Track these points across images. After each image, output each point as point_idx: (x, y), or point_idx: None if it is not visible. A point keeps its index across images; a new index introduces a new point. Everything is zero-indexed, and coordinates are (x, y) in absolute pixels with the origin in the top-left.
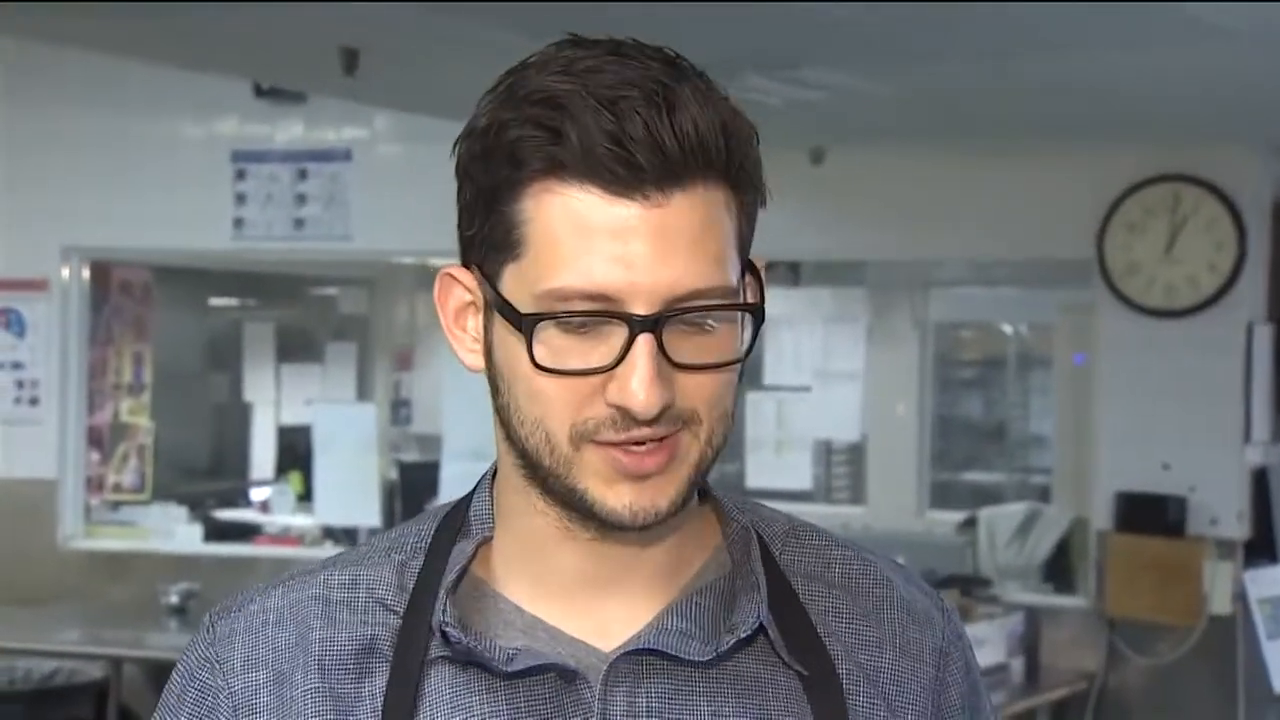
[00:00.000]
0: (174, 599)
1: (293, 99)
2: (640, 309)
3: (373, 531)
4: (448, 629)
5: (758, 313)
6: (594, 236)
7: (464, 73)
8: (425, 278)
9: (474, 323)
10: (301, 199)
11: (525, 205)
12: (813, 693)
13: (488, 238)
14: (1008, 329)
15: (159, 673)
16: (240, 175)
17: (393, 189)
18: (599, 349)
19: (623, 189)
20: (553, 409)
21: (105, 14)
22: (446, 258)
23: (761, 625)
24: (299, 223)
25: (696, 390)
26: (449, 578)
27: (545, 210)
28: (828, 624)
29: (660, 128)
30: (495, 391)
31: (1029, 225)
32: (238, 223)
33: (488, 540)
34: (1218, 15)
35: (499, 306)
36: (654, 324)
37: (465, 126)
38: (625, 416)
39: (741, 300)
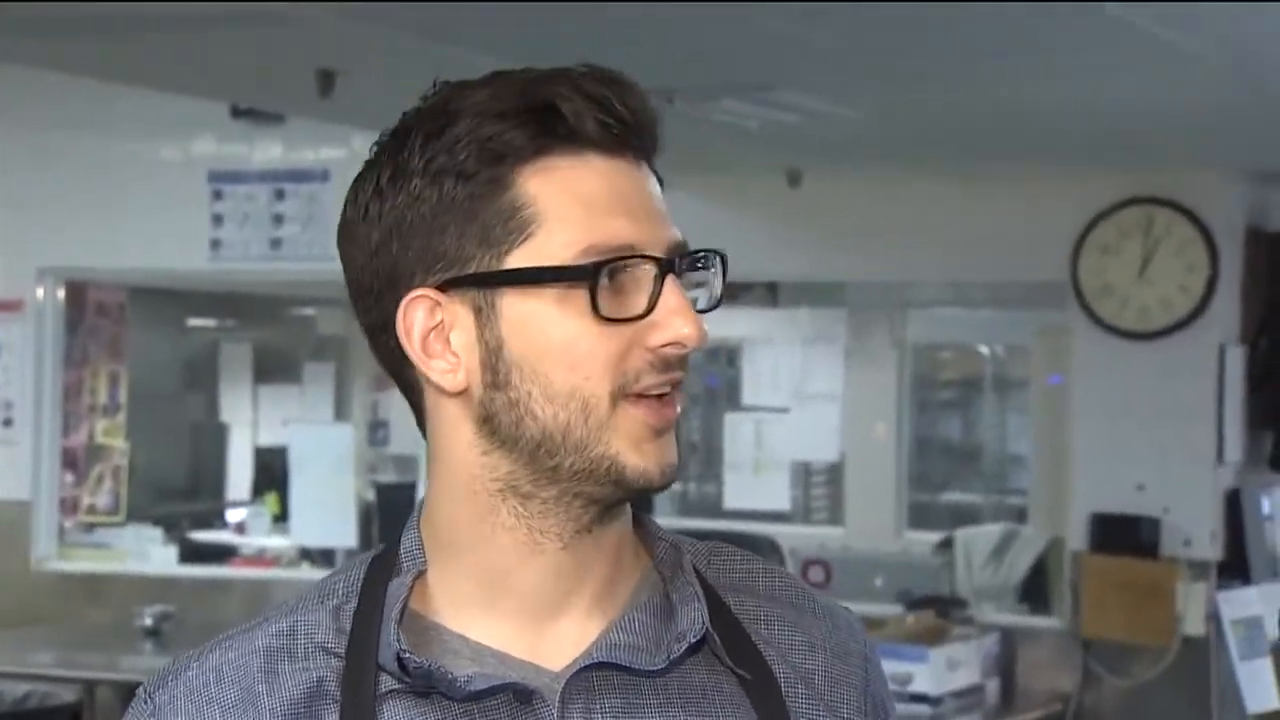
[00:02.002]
0: (149, 621)
1: (270, 119)
2: (658, 254)
3: (349, 553)
4: (405, 656)
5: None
6: (604, 196)
7: None
8: None
9: (440, 344)
10: (279, 219)
11: (527, 187)
12: (754, 696)
13: (479, 235)
14: (985, 350)
15: (133, 696)
16: (217, 195)
17: None
18: (628, 301)
19: (617, 147)
20: (597, 367)
21: (83, 38)
22: None
23: (705, 633)
24: (276, 243)
25: None
26: (394, 610)
27: (548, 185)
28: (759, 632)
29: (627, 92)
30: (501, 386)
31: (1005, 248)
32: (215, 243)
33: (421, 574)
34: (1191, 43)
35: (537, 278)
36: (672, 264)
37: (391, 173)
38: (661, 361)
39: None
